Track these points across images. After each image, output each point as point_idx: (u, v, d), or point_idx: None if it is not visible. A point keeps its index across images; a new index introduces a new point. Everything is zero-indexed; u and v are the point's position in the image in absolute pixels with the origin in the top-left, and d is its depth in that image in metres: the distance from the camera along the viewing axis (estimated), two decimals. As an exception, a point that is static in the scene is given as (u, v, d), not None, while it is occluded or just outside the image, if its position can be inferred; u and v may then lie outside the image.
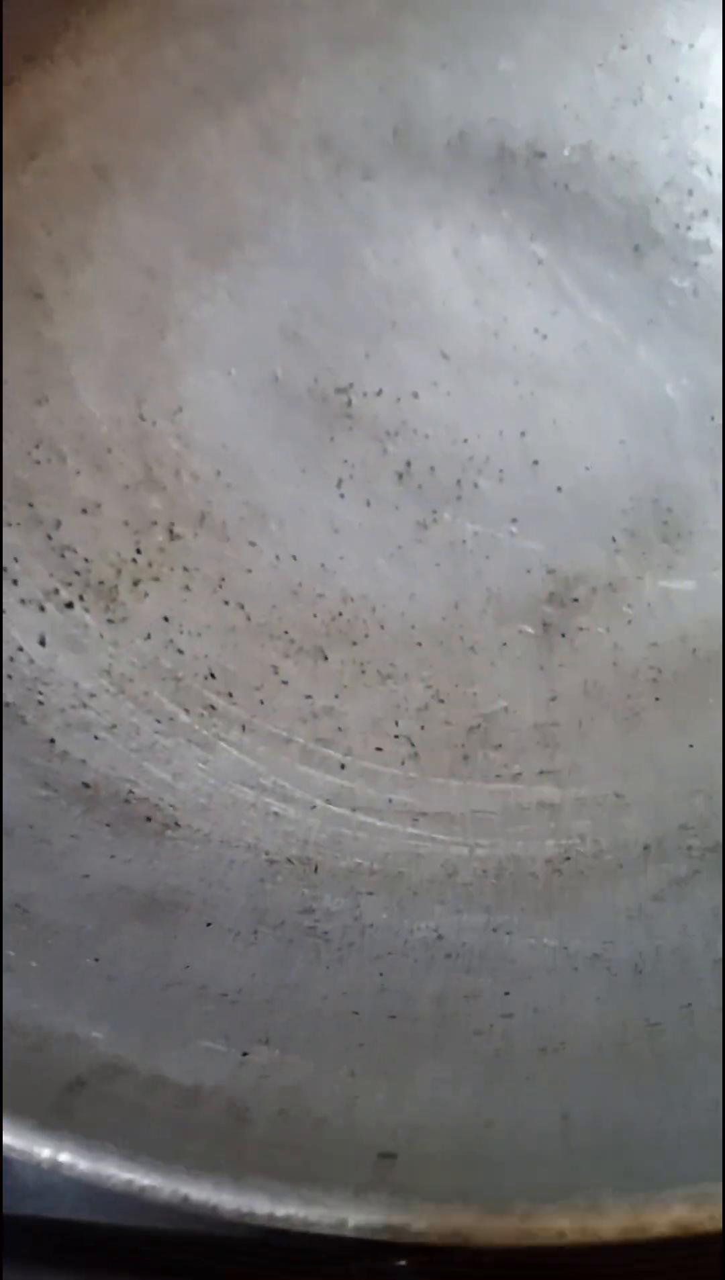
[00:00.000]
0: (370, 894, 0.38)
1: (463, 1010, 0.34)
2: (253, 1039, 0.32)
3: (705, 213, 0.51)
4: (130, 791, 0.40)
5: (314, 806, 0.41)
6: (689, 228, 0.51)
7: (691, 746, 0.41)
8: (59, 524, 0.46)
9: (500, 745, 0.43)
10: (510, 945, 0.36)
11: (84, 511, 0.47)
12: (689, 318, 0.50)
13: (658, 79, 0.53)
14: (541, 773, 0.42)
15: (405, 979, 0.35)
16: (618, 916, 0.36)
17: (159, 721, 0.42)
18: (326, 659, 0.45)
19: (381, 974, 0.34)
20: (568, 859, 0.39)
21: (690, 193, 0.52)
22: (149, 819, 0.39)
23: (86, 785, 0.39)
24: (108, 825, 0.38)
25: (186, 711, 0.43)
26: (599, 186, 0.52)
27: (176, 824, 0.39)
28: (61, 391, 0.49)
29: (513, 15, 0.54)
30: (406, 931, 0.36)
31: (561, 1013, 0.34)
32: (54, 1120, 0.25)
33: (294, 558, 0.47)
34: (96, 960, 0.33)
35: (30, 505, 0.47)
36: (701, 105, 0.52)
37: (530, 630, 0.45)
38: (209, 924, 0.36)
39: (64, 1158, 0.24)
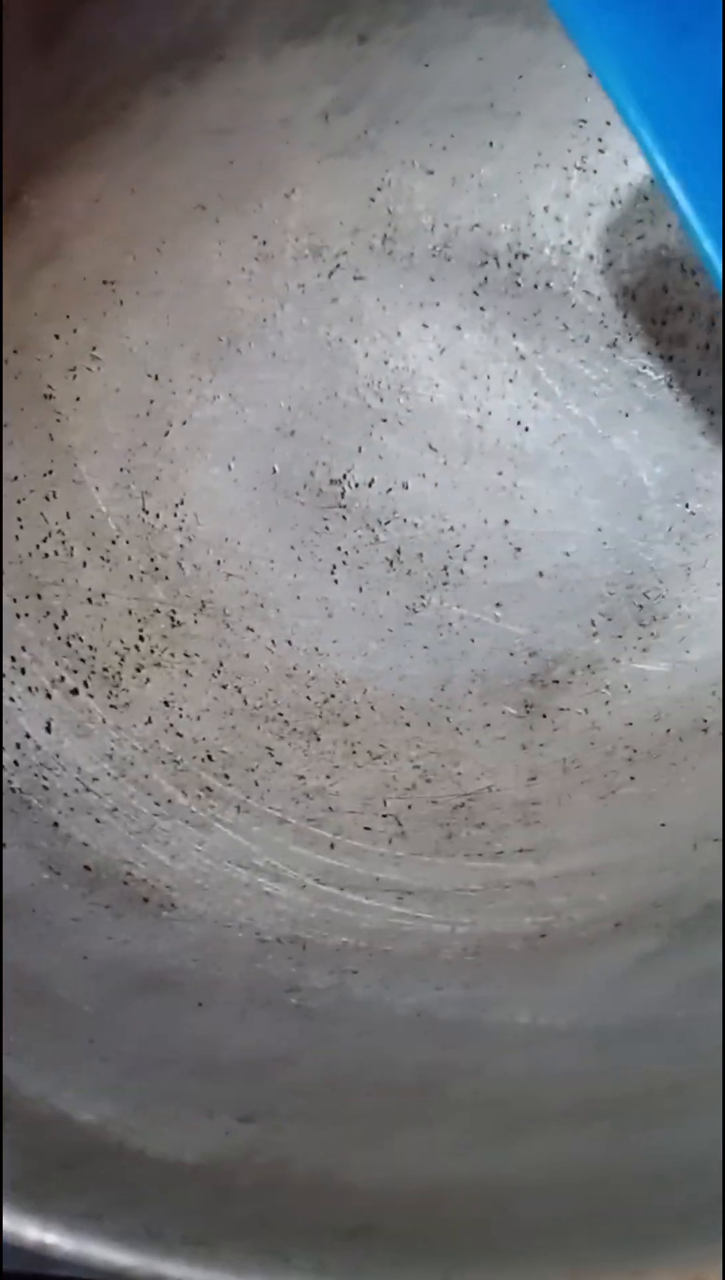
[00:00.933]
0: (355, 972, 0.39)
1: (439, 1083, 0.35)
2: (239, 1114, 0.33)
3: (680, 308, 0.54)
4: (129, 873, 0.42)
5: (304, 885, 0.42)
6: (664, 323, 0.54)
7: (663, 825, 0.43)
8: (66, 614, 0.49)
9: (483, 823, 0.44)
10: (486, 1019, 0.37)
11: (90, 601, 0.49)
12: (663, 408, 0.52)
13: (633, 180, 0.55)
14: (521, 850, 0.43)
15: (386, 1053, 0.36)
16: (589, 992, 0.38)
17: (158, 804, 0.44)
18: (319, 739, 0.47)
19: (364, 1050, 0.36)
20: (543, 935, 0.40)
21: (665, 289, 0.54)
22: (147, 900, 0.41)
23: (88, 868, 0.41)
24: (108, 907, 0.40)
25: (184, 793, 0.45)
26: (577, 285, 0.55)
27: (173, 905, 0.41)
28: (72, 489, 0.51)
29: (491, 124, 0.56)
30: (388, 1007, 0.38)
31: (533, 1086, 0.35)
32: (42, 1202, 0.26)
33: (289, 642, 0.49)
34: (92, 1041, 0.35)
35: (39, 596, 0.49)
36: (672, 206, 0.55)
37: (513, 711, 0.47)
38: (201, 1004, 0.37)
39: (50, 1239, 0.25)
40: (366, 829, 0.44)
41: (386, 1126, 0.34)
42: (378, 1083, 0.34)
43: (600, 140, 0.56)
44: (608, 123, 0.55)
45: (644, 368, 0.53)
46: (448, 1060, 0.35)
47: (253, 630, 0.49)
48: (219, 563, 0.51)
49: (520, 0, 0.56)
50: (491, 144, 0.56)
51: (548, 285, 0.55)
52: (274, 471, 0.53)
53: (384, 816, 0.45)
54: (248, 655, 0.49)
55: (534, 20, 0.56)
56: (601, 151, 0.56)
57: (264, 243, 0.56)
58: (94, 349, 0.54)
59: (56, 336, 0.53)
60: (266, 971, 0.39)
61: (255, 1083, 0.35)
